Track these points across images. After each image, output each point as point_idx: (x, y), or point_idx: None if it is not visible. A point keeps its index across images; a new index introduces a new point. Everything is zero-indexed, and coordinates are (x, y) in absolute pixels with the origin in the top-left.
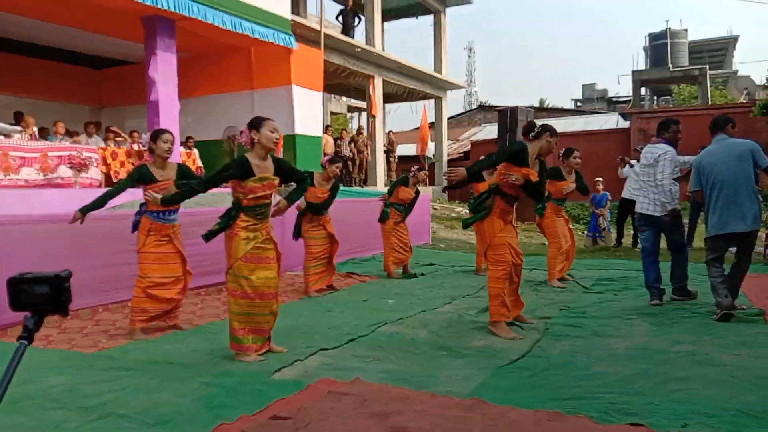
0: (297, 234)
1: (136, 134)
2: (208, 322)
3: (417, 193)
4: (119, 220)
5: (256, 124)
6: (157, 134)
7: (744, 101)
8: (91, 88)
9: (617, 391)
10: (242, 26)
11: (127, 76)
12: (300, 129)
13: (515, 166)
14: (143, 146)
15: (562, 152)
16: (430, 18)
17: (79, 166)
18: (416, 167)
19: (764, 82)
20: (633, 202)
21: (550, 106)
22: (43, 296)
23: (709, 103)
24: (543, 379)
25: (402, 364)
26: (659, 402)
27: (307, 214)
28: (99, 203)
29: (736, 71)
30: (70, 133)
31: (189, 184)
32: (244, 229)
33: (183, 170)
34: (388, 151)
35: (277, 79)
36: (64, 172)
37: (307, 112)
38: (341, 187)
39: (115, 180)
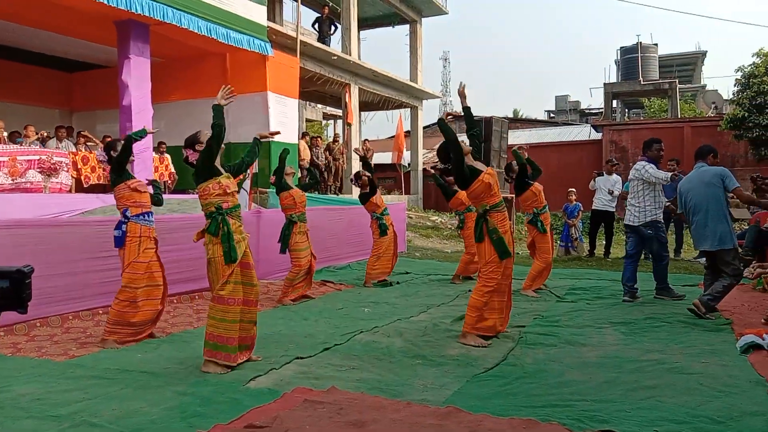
0: (285, 247)
1: (109, 139)
2: (181, 330)
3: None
4: (90, 227)
5: (192, 143)
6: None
7: (712, 115)
8: (61, 92)
9: (589, 399)
10: (218, 32)
11: (99, 80)
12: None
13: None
14: (100, 160)
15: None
16: (406, 27)
17: (49, 171)
18: (356, 172)
19: (731, 96)
20: (603, 213)
21: (524, 117)
22: (3, 291)
23: (679, 116)
24: (517, 387)
25: (377, 373)
26: (630, 409)
27: (297, 223)
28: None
29: (705, 85)
30: (42, 139)
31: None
32: (236, 232)
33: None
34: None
35: (253, 86)
36: (34, 176)
37: (283, 118)
38: (317, 195)
39: (86, 185)
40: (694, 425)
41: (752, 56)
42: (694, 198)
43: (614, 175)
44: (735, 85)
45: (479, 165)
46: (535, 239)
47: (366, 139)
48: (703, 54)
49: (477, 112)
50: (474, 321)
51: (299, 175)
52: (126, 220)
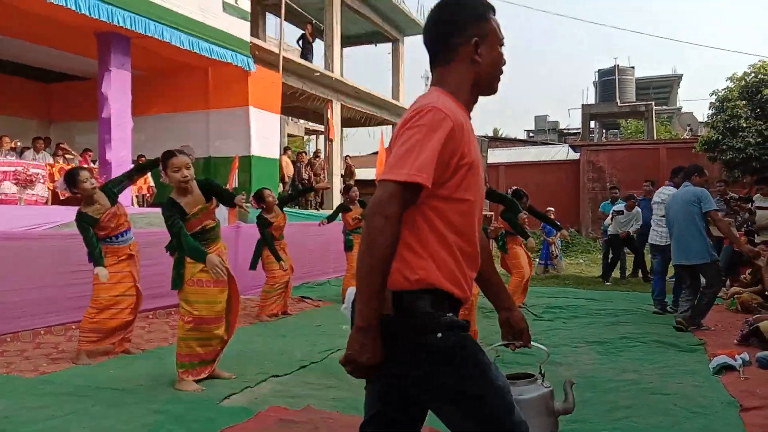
0: (254, 265)
1: (90, 154)
2: (156, 346)
3: (363, 205)
4: (65, 240)
5: (163, 162)
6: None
7: (687, 137)
8: (39, 103)
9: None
10: (200, 46)
11: (77, 92)
12: (256, 150)
13: None
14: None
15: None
16: (388, 46)
17: (25, 183)
18: (346, 185)
19: (706, 119)
20: (616, 237)
21: (503, 136)
22: None
23: (655, 137)
24: None
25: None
26: (606, 429)
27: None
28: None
29: (680, 108)
30: (18, 150)
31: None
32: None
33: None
34: (346, 176)
35: (234, 100)
36: (9, 188)
37: (264, 133)
38: (297, 210)
39: (62, 198)
40: None
41: (726, 80)
42: (675, 215)
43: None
44: (709, 109)
45: None
46: (503, 258)
47: (347, 155)
48: (679, 77)
49: None
50: None
51: (280, 189)
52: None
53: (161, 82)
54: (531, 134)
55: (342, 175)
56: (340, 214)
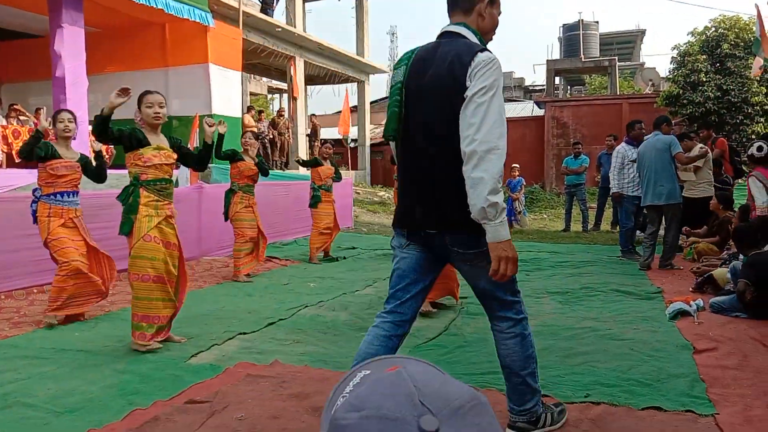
0: (227, 215)
1: (41, 112)
2: (119, 308)
3: (333, 163)
4: (22, 202)
5: (138, 100)
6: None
7: (649, 92)
8: None
9: None
10: (156, 1)
11: (30, 50)
12: (217, 109)
13: None
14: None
15: None
16: (352, 1)
17: None
18: (321, 141)
19: (668, 74)
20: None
21: None
22: None
23: (618, 93)
24: (458, 356)
25: (322, 346)
26: (564, 374)
27: (237, 193)
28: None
29: (643, 63)
30: None
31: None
32: (145, 206)
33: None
34: (311, 135)
35: (193, 57)
36: None
37: (225, 91)
38: None
39: (17, 160)
40: (624, 388)
41: (687, 35)
42: (647, 161)
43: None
44: (671, 63)
45: None
46: None
47: (313, 114)
48: (642, 32)
49: None
50: None
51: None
52: (36, 199)
53: (117, 39)
54: None
55: (307, 135)
56: (310, 169)
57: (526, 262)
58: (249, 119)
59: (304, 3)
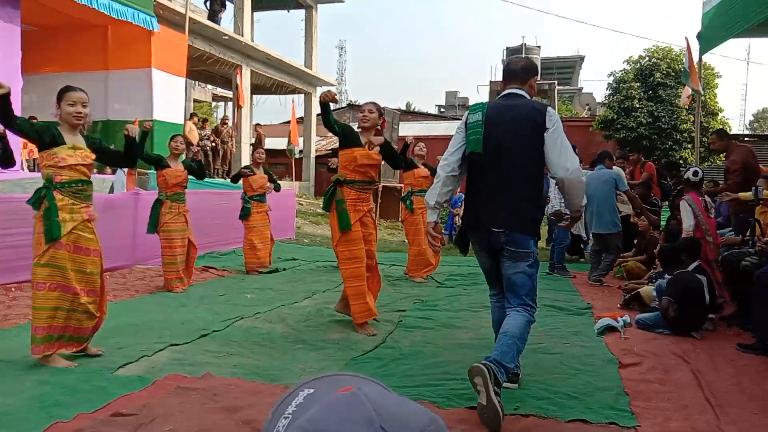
0: (153, 227)
1: None
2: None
3: (266, 171)
4: None
5: (58, 95)
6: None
7: (586, 116)
8: None
9: (460, 378)
10: (98, 2)
11: None
12: (159, 114)
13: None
14: None
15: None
16: (301, 13)
17: None
18: (254, 148)
19: (604, 99)
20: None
21: (416, 110)
22: None
23: None
24: (394, 368)
25: (256, 358)
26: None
27: (165, 202)
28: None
29: (582, 88)
30: None
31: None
32: (60, 210)
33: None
34: (256, 145)
35: (136, 61)
36: None
37: (168, 97)
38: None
39: None
40: (553, 401)
41: (623, 63)
42: (593, 192)
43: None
44: (607, 89)
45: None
46: (406, 220)
47: (258, 124)
48: (582, 58)
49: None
50: (361, 309)
51: (184, 157)
52: None
53: (56, 39)
54: (442, 109)
55: (252, 144)
56: (242, 179)
57: (464, 276)
58: (191, 126)
59: (252, 12)
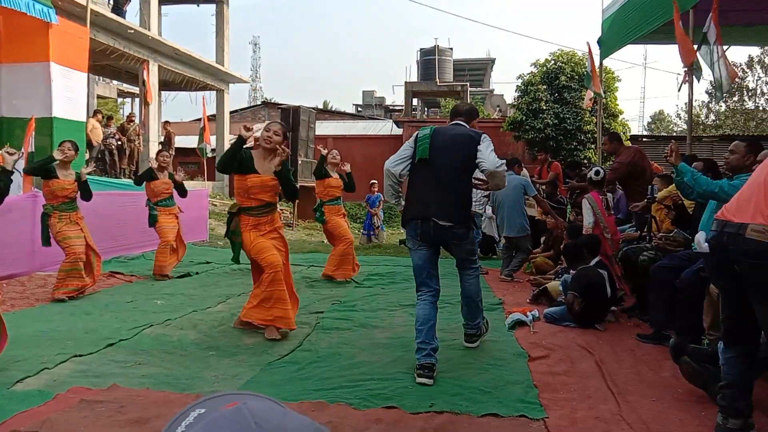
0: (46, 240)
1: None
2: None
3: (171, 176)
4: None
5: None
6: None
7: (496, 117)
8: None
9: (376, 378)
10: None
11: None
12: (59, 112)
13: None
14: None
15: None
16: (212, 7)
17: None
18: (158, 151)
19: (513, 101)
20: None
21: (333, 109)
22: None
23: None
24: (310, 372)
25: (166, 367)
26: (412, 385)
27: (53, 214)
28: None
29: (493, 90)
30: None
31: None
32: None
33: None
34: (165, 144)
35: (32, 55)
36: None
37: (68, 93)
38: (107, 180)
39: None
40: (466, 396)
41: (531, 66)
42: (502, 197)
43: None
44: (516, 91)
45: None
46: (325, 230)
47: (167, 121)
48: (492, 61)
49: (287, 101)
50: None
51: (87, 156)
52: None
53: None
54: (359, 109)
55: (160, 143)
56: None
57: (382, 276)
58: (94, 124)
59: (159, 5)
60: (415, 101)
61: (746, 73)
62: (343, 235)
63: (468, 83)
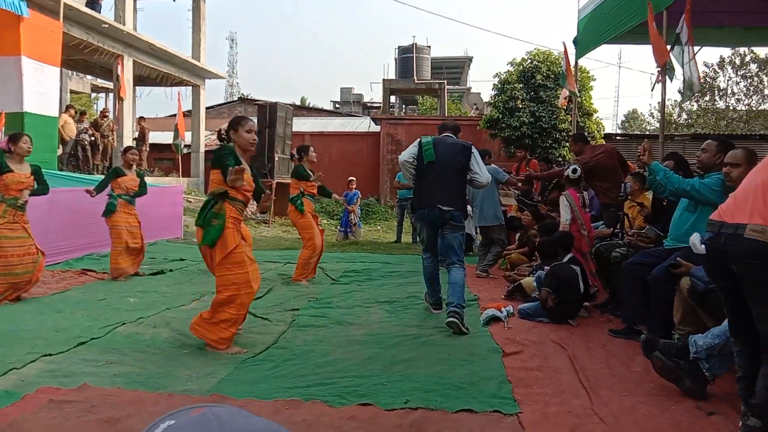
0: None
1: None
2: None
3: (140, 175)
4: None
5: None
6: None
7: (473, 115)
8: None
9: (352, 375)
10: None
11: None
12: (30, 107)
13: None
14: None
15: (296, 149)
16: (189, 2)
17: None
18: (125, 147)
19: (490, 99)
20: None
21: (310, 106)
22: None
23: (446, 114)
24: (285, 369)
25: (139, 366)
26: (387, 382)
27: (1, 204)
28: None
29: (470, 88)
30: None
31: None
32: None
33: None
34: (139, 139)
35: (3, 49)
36: None
37: (40, 88)
38: (79, 176)
39: None
40: (441, 392)
41: (507, 64)
42: (475, 189)
43: None
44: (493, 90)
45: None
46: (297, 223)
47: (141, 117)
48: (470, 59)
49: (264, 97)
50: (223, 334)
51: (60, 152)
52: None
53: None
54: (337, 105)
55: (134, 139)
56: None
57: (359, 272)
58: (67, 119)
59: (135, 0)
60: (393, 98)
61: (717, 73)
62: (311, 239)
63: (446, 81)
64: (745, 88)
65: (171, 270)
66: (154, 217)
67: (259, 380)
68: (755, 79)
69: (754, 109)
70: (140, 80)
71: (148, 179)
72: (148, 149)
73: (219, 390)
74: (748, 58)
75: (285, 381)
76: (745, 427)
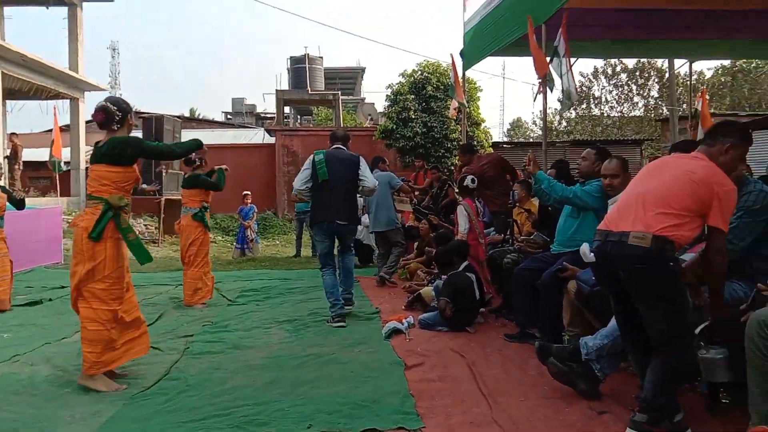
0: None
1: None
2: None
3: (5, 190)
4: None
5: None
6: None
7: (368, 125)
8: None
9: (251, 403)
10: None
11: None
12: None
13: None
14: None
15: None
16: (64, 10)
17: None
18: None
19: (383, 110)
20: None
21: (201, 117)
22: None
23: (341, 125)
24: (178, 402)
25: (14, 411)
26: (288, 407)
27: None
28: None
29: (364, 98)
30: None
31: None
32: None
33: None
34: (11, 157)
35: None
36: None
37: None
38: None
39: None
40: (344, 413)
41: (399, 76)
42: (372, 196)
43: None
44: (386, 101)
45: None
46: (199, 239)
47: (13, 133)
48: (363, 70)
49: (152, 109)
50: (100, 358)
51: None
52: None
53: None
54: (229, 116)
55: (6, 157)
56: None
57: (257, 291)
58: None
59: (2, 7)
60: (287, 109)
61: (592, 82)
62: (200, 257)
63: (339, 92)
64: (617, 96)
65: (50, 299)
66: (29, 241)
67: (151, 416)
68: (625, 87)
69: (626, 115)
70: (11, 93)
71: None
72: (21, 167)
73: (106, 431)
74: (618, 68)
75: (178, 415)
76: (632, 423)
